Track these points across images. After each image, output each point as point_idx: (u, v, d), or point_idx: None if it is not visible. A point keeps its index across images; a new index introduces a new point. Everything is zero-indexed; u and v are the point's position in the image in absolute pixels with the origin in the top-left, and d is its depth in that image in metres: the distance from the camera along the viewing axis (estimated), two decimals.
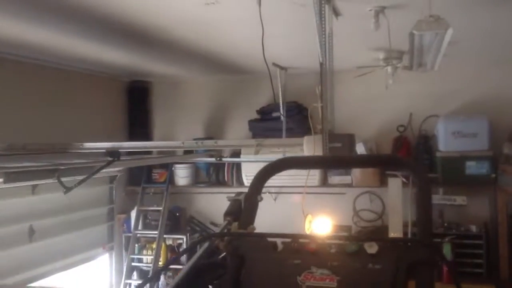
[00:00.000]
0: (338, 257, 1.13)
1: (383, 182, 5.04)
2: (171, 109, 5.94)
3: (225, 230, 1.33)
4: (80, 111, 4.98)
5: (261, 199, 1.38)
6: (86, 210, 5.05)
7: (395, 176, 4.94)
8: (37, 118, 4.41)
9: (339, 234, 1.20)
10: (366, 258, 1.10)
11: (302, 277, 1.09)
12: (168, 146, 4.21)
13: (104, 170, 2.62)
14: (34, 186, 4.22)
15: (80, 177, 2.54)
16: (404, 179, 4.89)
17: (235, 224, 1.33)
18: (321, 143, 2.45)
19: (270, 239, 1.25)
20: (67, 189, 3.06)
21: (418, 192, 1.23)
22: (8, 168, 2.74)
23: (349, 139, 2.42)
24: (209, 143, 3.76)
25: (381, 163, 1.63)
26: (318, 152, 2.31)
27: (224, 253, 1.27)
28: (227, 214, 1.38)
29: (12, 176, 3.12)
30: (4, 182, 3.01)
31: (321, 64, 2.87)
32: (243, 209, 1.36)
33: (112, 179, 5.44)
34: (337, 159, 1.65)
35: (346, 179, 5.21)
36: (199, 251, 1.23)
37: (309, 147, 2.44)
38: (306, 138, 2.81)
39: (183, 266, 1.23)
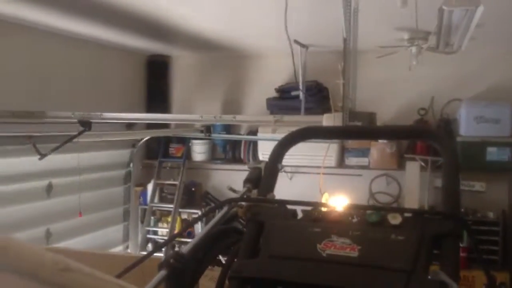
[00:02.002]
0: (359, 227, 1.11)
1: (400, 165, 4.99)
2: (190, 85, 5.93)
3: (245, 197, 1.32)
4: (99, 82, 5.00)
5: (282, 167, 1.36)
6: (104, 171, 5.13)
7: (414, 159, 4.89)
8: (55, 87, 4.44)
9: (361, 204, 1.18)
10: (389, 229, 1.08)
11: (322, 245, 1.07)
12: (175, 119, 4.18)
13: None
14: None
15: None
16: (422, 163, 4.83)
17: (255, 191, 1.32)
18: (341, 121, 2.42)
19: (290, 207, 1.24)
20: (42, 156, 3.11)
21: (445, 164, 1.20)
22: None
23: (370, 118, 2.38)
24: (228, 117, 3.75)
25: (407, 134, 1.58)
26: None
27: (243, 219, 1.26)
28: (247, 181, 1.37)
29: None
30: None
31: (345, 40, 2.83)
32: (263, 176, 1.35)
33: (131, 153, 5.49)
34: (361, 130, 1.61)
35: (363, 160, 5.17)
36: (218, 216, 1.23)
37: (329, 124, 2.41)
38: (326, 115, 2.77)
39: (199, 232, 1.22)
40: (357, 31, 3.04)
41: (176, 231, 5.41)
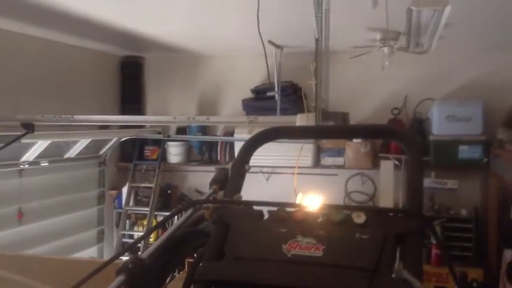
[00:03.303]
0: (324, 226, 1.10)
1: (375, 164, 5.03)
2: (164, 86, 5.87)
3: (211, 198, 1.30)
4: (72, 84, 4.91)
5: (249, 168, 1.34)
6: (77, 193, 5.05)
7: (388, 158, 4.94)
8: (28, 89, 4.34)
9: (326, 204, 1.18)
10: (353, 228, 1.08)
11: (287, 246, 1.06)
12: (149, 121, 4.14)
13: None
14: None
15: None
16: (396, 162, 4.89)
17: (221, 192, 1.30)
18: (313, 121, 2.43)
19: (256, 209, 1.22)
20: None
21: (409, 163, 1.20)
22: None
23: (343, 118, 2.39)
24: (201, 119, 3.72)
25: (373, 133, 1.59)
26: None
27: (208, 222, 1.24)
28: (213, 182, 1.35)
29: None
30: None
31: (317, 40, 2.83)
32: (230, 177, 1.33)
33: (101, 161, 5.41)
34: (329, 129, 1.61)
35: (339, 160, 5.20)
36: (181, 218, 1.20)
37: (302, 124, 2.41)
38: (299, 115, 2.78)
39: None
40: (329, 31, 3.05)
41: (151, 234, 5.34)
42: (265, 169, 5.39)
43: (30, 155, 4.11)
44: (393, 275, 0.99)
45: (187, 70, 5.82)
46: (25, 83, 4.32)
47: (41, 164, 4.31)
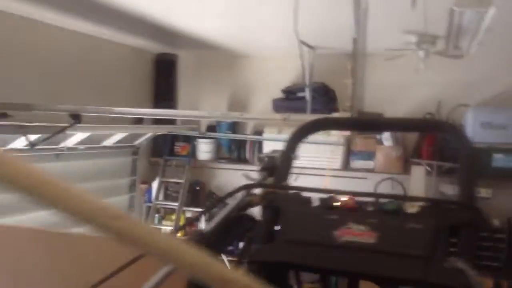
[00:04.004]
0: (376, 215, 1.11)
1: (406, 170, 4.98)
2: (196, 84, 5.95)
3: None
4: (108, 79, 5.03)
5: (296, 157, 1.37)
6: (109, 179, 5.14)
7: (419, 164, 4.88)
8: (62, 82, 4.46)
9: (379, 193, 1.17)
10: (406, 217, 1.09)
11: (339, 232, 1.07)
12: (183, 115, 4.19)
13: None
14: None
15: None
16: (428, 168, 4.82)
17: (270, 179, 1.33)
18: None
19: (305, 196, 1.24)
20: (32, 146, 3.15)
21: (461, 156, 1.20)
22: None
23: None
24: (235, 114, 3.76)
25: (422, 127, 1.58)
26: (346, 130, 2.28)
27: (257, 207, 1.27)
28: (262, 169, 1.37)
29: None
30: None
31: (354, 40, 2.83)
32: (279, 165, 1.35)
33: (135, 150, 5.52)
34: (376, 121, 1.60)
35: (369, 164, 5.16)
36: (235, 202, 1.23)
37: None
38: (334, 114, 2.75)
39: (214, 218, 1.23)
40: (365, 32, 3.05)
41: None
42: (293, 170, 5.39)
43: (70, 141, 4.24)
44: (446, 264, 0.99)
45: (219, 69, 5.88)
46: (62, 75, 4.44)
47: (78, 150, 4.45)
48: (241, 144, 5.59)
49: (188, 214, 5.60)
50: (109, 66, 5.10)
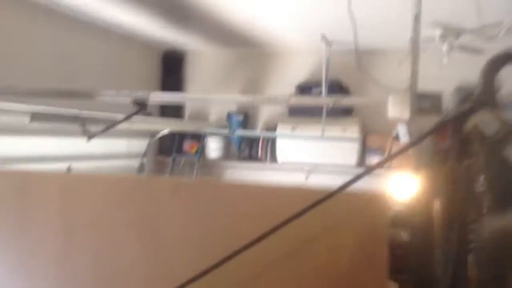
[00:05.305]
0: None
1: None
2: (205, 81, 5.80)
3: None
4: (114, 73, 4.88)
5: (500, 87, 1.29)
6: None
7: None
8: (78, 74, 4.31)
9: None
10: None
11: None
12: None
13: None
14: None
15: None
16: None
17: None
18: (409, 100, 2.26)
19: None
20: (89, 137, 2.96)
21: None
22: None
23: (438, 100, 2.24)
24: (261, 98, 3.54)
25: None
26: (405, 114, 2.15)
27: None
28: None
29: (38, 116, 3.05)
30: (30, 121, 2.96)
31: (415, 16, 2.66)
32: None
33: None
34: None
35: None
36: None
37: (396, 107, 2.24)
38: (391, 97, 2.52)
39: None
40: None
41: None
42: (305, 166, 5.27)
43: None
44: None
45: (228, 66, 5.74)
46: (78, 70, 4.30)
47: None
48: (252, 142, 5.45)
49: None
50: (118, 60, 4.95)
